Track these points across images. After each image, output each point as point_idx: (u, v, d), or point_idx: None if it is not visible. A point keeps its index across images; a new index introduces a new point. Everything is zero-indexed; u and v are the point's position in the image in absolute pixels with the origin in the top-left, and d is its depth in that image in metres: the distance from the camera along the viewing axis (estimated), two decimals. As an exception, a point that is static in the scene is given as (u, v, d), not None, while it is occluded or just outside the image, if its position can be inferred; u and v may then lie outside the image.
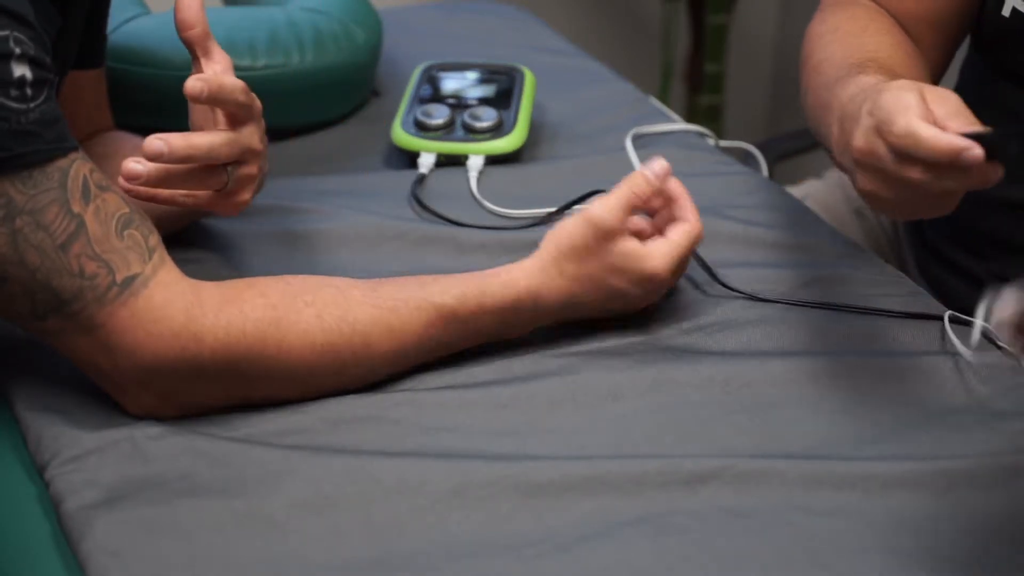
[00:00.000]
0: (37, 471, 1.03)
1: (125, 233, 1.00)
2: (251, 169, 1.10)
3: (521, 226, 1.30)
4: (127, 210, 1.01)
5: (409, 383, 1.09)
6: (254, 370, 1.04)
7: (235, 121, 1.08)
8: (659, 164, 1.14)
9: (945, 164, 0.92)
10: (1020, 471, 1.00)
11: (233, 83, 1.06)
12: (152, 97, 1.38)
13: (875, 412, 1.07)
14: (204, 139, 1.05)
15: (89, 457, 1.01)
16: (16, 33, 0.95)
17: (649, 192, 1.12)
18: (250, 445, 1.02)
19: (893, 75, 1.08)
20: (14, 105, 0.95)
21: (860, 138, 0.97)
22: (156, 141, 1.02)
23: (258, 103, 1.09)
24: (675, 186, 1.15)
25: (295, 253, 1.24)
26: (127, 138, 1.24)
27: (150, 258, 1.01)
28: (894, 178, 0.96)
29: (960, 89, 1.39)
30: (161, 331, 1.00)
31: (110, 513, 0.96)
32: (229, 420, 1.05)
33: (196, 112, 1.11)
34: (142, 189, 1.04)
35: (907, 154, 0.94)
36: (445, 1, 1.90)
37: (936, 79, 1.26)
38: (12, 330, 1.12)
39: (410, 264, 1.23)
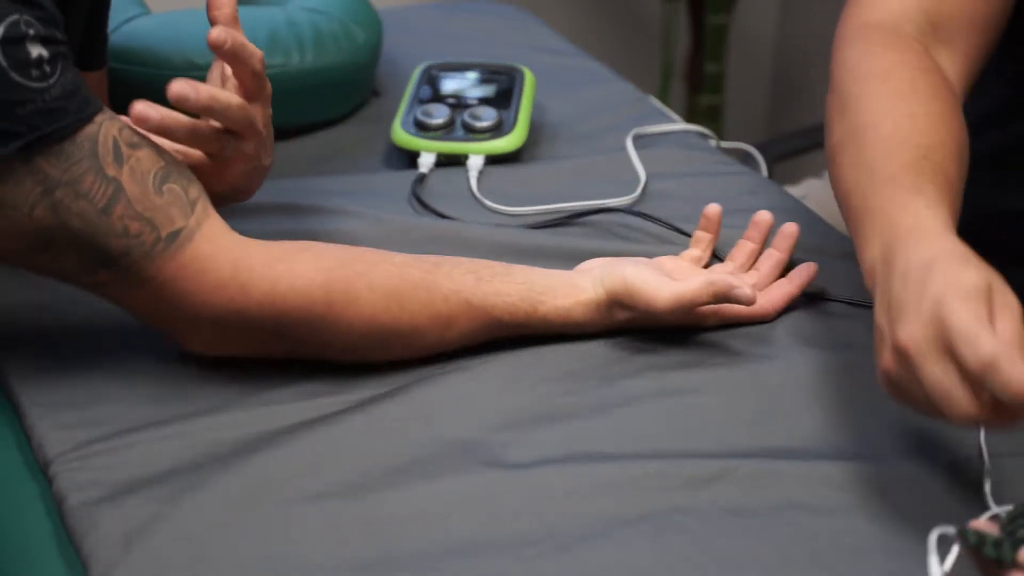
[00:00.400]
0: (40, 468, 1.03)
1: (164, 188, 1.01)
2: (249, 147, 1.10)
3: (522, 223, 1.30)
4: (162, 163, 1.02)
5: (414, 373, 1.09)
6: (301, 328, 1.05)
7: (247, 94, 1.08)
8: (790, 227, 1.18)
9: (1006, 403, 0.85)
10: (1022, 473, 1.00)
11: (254, 48, 1.07)
12: (152, 97, 1.37)
13: (876, 411, 1.06)
14: (224, 94, 1.06)
15: (93, 455, 1.01)
16: (25, 16, 0.96)
17: (725, 301, 1.10)
18: (253, 444, 1.03)
19: (948, 183, 1.01)
20: (36, 85, 0.96)
21: (917, 336, 0.88)
22: (184, 85, 1.02)
23: (269, 86, 1.10)
24: (806, 271, 1.17)
25: (295, 253, 1.24)
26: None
27: (193, 211, 1.02)
28: (931, 388, 0.88)
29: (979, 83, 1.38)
30: (208, 280, 1.02)
31: (113, 510, 0.96)
32: (231, 419, 1.05)
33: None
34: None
35: (977, 379, 0.85)
36: (445, 1, 1.90)
37: (973, 79, 1.21)
38: (17, 327, 1.13)
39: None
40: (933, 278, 0.89)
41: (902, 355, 0.89)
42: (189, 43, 1.45)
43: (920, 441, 1.03)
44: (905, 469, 1.00)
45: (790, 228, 1.19)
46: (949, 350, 0.86)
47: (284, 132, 1.46)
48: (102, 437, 1.03)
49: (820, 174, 1.68)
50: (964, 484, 0.99)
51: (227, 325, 1.04)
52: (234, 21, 1.07)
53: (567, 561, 0.93)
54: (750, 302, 1.09)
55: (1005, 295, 0.89)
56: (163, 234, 1.01)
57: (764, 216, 1.19)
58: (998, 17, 1.21)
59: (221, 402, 1.07)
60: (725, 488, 0.98)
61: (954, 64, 1.18)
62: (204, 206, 1.03)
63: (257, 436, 1.03)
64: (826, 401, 1.07)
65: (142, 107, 1.01)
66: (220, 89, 1.07)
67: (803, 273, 1.17)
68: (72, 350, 1.11)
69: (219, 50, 1.05)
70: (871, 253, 0.98)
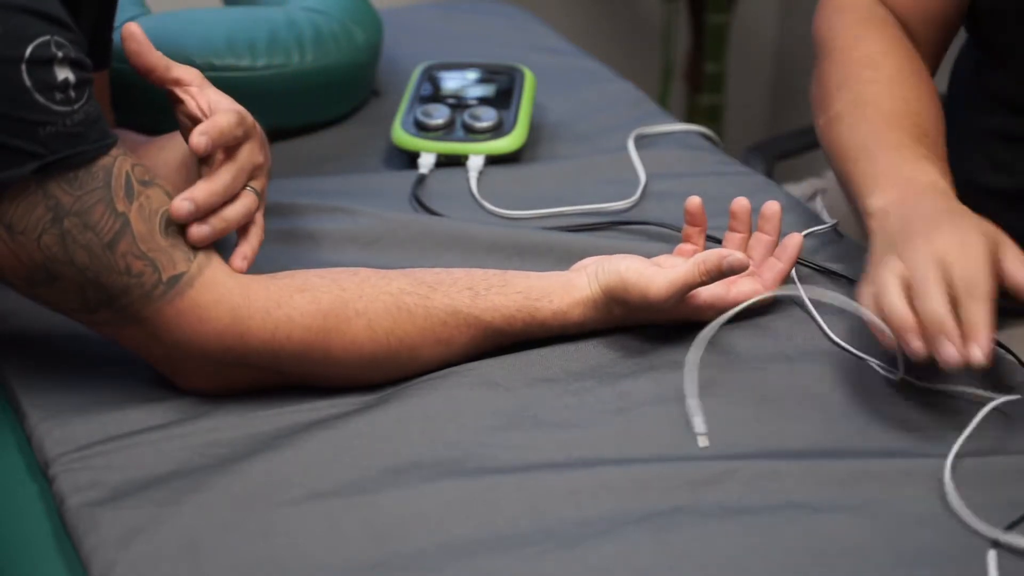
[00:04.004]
0: (40, 468, 1.03)
1: (170, 230, 1.02)
2: (262, 182, 1.11)
3: (521, 226, 1.30)
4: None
5: (413, 377, 1.09)
6: (299, 368, 1.06)
7: (232, 148, 1.08)
8: (770, 207, 1.18)
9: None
10: (1021, 471, 1.00)
11: (227, 121, 1.06)
12: (152, 97, 1.37)
13: (877, 410, 1.06)
14: (218, 182, 1.06)
15: (94, 455, 1.01)
16: (56, 37, 0.96)
17: (719, 276, 1.09)
18: (253, 446, 1.03)
19: (942, 157, 1.17)
20: (59, 108, 0.96)
21: (929, 259, 1.02)
22: (183, 203, 1.02)
23: (250, 118, 1.09)
24: (792, 244, 1.17)
25: (295, 253, 1.24)
26: (128, 135, 1.24)
27: (195, 255, 1.02)
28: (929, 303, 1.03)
29: (954, 78, 1.41)
30: (206, 330, 1.02)
31: (113, 511, 0.96)
32: (231, 421, 1.05)
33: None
34: (206, 231, 1.04)
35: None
36: (445, 1, 1.90)
37: (933, 70, 1.31)
38: (17, 328, 1.13)
39: (412, 266, 1.22)
40: (955, 220, 1.05)
41: (914, 269, 1.02)
42: (189, 43, 1.45)
43: (922, 439, 1.03)
44: (907, 467, 1.00)
45: (771, 208, 1.18)
46: (949, 282, 1.00)
47: (284, 132, 1.46)
48: (102, 439, 1.03)
49: (821, 173, 1.68)
50: (963, 482, 0.99)
51: (224, 368, 1.05)
52: (167, 69, 1.07)
53: (569, 560, 0.93)
54: (743, 267, 1.08)
55: (1009, 242, 1.05)
56: (164, 277, 1.01)
57: (741, 204, 1.18)
58: (950, 14, 1.31)
59: (221, 404, 1.07)
60: (727, 488, 0.98)
61: (919, 51, 1.29)
62: (206, 250, 1.04)
63: (257, 438, 1.03)
64: (827, 400, 1.07)
65: (180, 203, 1.02)
66: (209, 179, 1.05)
67: (790, 248, 1.17)
68: (73, 352, 1.11)
69: (206, 154, 1.05)
70: (882, 200, 1.12)
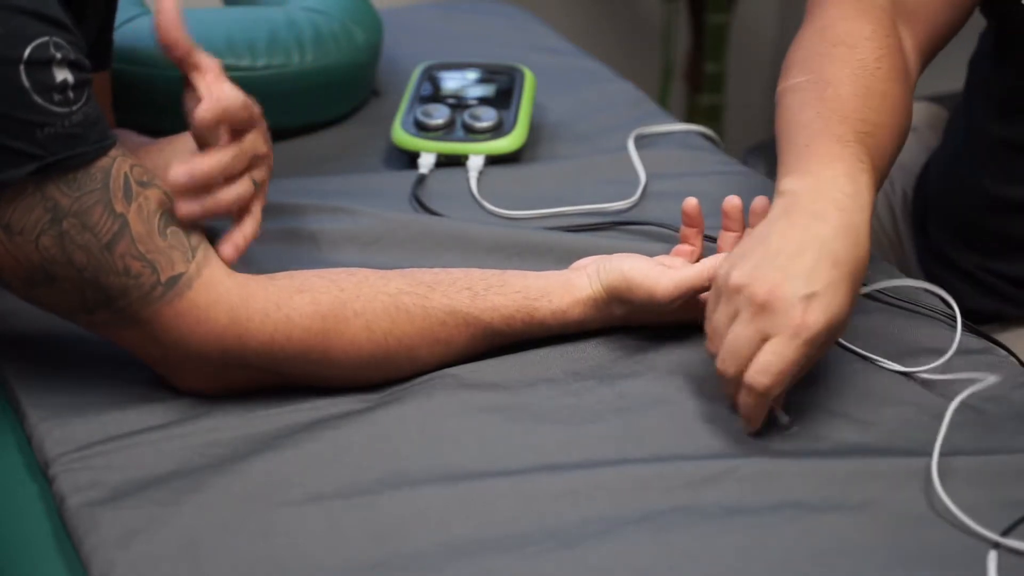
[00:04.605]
0: (40, 468, 1.03)
1: (168, 231, 1.01)
2: (263, 173, 1.11)
3: (521, 226, 1.30)
4: (170, 205, 1.02)
5: (413, 378, 1.09)
6: (297, 369, 1.06)
7: (237, 132, 1.08)
8: (759, 203, 1.14)
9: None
10: (1020, 471, 1.00)
11: (233, 100, 1.06)
12: (152, 97, 1.38)
13: (877, 410, 1.06)
14: (218, 158, 1.05)
15: (94, 455, 1.01)
16: (55, 38, 0.96)
17: None
18: (253, 446, 1.03)
19: (883, 162, 1.11)
20: (58, 110, 0.96)
21: (743, 289, 1.00)
22: (181, 169, 1.01)
23: (257, 108, 1.09)
24: None
25: (295, 253, 1.24)
26: (128, 135, 1.24)
27: (193, 256, 1.02)
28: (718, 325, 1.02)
29: (968, 87, 1.39)
30: (205, 331, 1.02)
31: (114, 511, 0.96)
32: (232, 421, 1.05)
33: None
34: (196, 209, 1.03)
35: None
36: (445, 1, 1.90)
37: (931, 53, 1.25)
38: (17, 328, 1.13)
39: (412, 266, 1.22)
40: (815, 248, 1.00)
41: (725, 287, 1.01)
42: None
43: (922, 439, 1.03)
44: (907, 466, 1.00)
45: (760, 204, 1.17)
46: (756, 322, 0.99)
47: (284, 132, 1.46)
48: (102, 439, 1.03)
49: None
50: (964, 480, 0.99)
51: (222, 369, 1.05)
52: (190, 52, 1.05)
53: (569, 559, 0.93)
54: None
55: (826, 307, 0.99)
56: (163, 278, 1.01)
57: (733, 203, 1.17)
58: (951, 28, 1.25)
59: (221, 404, 1.07)
60: (726, 487, 0.98)
61: (913, 37, 1.22)
62: (205, 251, 1.03)
63: (257, 438, 1.04)
64: (826, 399, 1.07)
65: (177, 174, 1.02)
66: (209, 155, 1.04)
67: None
68: (73, 352, 1.11)
69: (210, 128, 1.04)
70: (792, 185, 1.05)
